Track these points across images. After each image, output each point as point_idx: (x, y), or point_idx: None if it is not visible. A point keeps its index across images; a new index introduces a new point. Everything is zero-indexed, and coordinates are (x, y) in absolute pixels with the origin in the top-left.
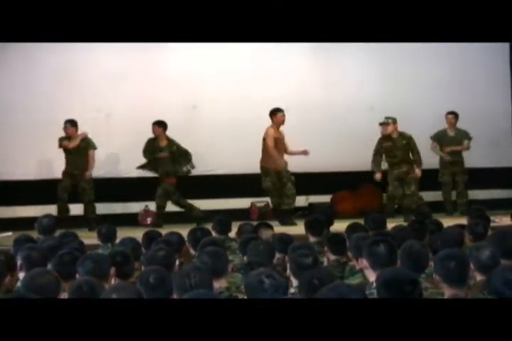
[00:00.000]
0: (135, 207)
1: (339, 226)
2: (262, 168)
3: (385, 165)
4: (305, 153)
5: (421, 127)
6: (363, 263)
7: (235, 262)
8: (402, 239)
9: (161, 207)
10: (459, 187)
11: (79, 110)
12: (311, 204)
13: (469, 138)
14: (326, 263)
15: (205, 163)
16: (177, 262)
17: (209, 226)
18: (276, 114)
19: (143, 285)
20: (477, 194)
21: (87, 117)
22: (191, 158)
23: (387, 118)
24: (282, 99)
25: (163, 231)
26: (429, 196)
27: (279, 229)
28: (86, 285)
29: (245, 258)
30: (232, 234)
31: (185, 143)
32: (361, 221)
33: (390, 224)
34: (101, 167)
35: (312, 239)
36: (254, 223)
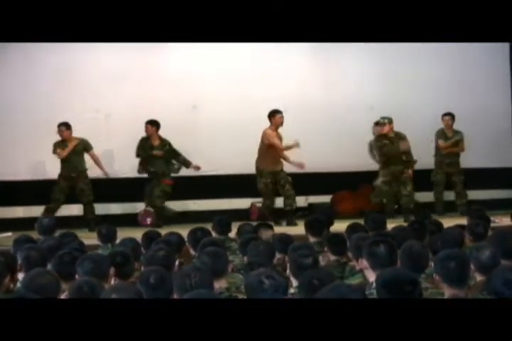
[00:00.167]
0: (135, 208)
1: (339, 226)
2: (256, 168)
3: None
4: (297, 145)
5: (421, 127)
6: (363, 263)
7: (235, 262)
8: (402, 240)
9: (160, 207)
10: (457, 188)
11: (79, 110)
12: (311, 205)
13: (463, 140)
14: (323, 263)
15: (205, 163)
16: (177, 262)
17: (209, 226)
18: (274, 115)
19: (143, 285)
20: (477, 194)
21: (86, 117)
22: (183, 158)
23: (383, 118)
24: (282, 99)
25: (163, 231)
26: (430, 196)
27: (279, 229)
28: (86, 286)
29: (245, 258)
30: (232, 234)
31: (185, 143)
32: (361, 221)
33: (390, 225)
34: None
35: (312, 240)
36: (254, 223)
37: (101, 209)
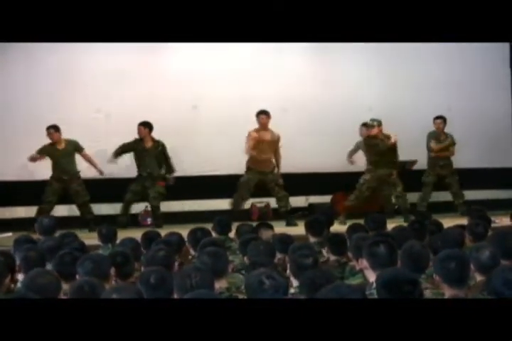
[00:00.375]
0: (135, 208)
1: (339, 226)
2: (246, 167)
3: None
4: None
5: (421, 127)
6: (363, 263)
7: (235, 262)
8: (402, 240)
9: (157, 208)
10: (453, 188)
11: (79, 110)
12: (311, 205)
13: (454, 144)
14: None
15: (205, 163)
16: (177, 262)
17: (209, 226)
18: (258, 116)
19: (144, 285)
20: (477, 194)
21: (87, 117)
22: (169, 163)
23: (372, 120)
24: (282, 99)
25: (164, 231)
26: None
27: (279, 229)
28: (87, 286)
29: (245, 258)
30: (232, 234)
31: (185, 143)
32: (361, 221)
33: (390, 225)
34: (101, 167)
35: (312, 240)
36: (253, 223)
37: (101, 209)
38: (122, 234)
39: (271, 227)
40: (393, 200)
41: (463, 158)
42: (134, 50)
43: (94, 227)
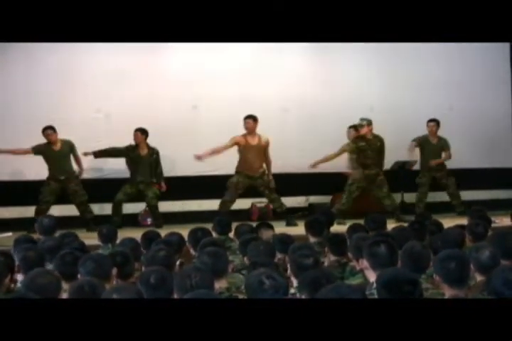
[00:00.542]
0: (135, 208)
1: (339, 226)
2: (235, 170)
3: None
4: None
5: (421, 128)
6: (364, 263)
7: (235, 262)
8: (402, 240)
9: (155, 207)
10: (450, 189)
11: (79, 110)
12: (311, 205)
13: (449, 148)
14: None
15: (205, 163)
16: (177, 262)
17: (209, 226)
18: (245, 120)
19: (144, 285)
20: (477, 194)
21: (87, 117)
22: (159, 171)
23: (362, 119)
24: (282, 99)
25: (164, 231)
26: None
27: (279, 229)
28: (87, 286)
29: (245, 258)
30: (232, 234)
31: (185, 143)
32: (361, 221)
33: (390, 225)
34: (101, 167)
35: (312, 240)
36: (253, 223)
37: (102, 209)
38: (122, 234)
39: (271, 227)
40: (383, 202)
41: (463, 158)
42: (134, 50)
43: (93, 227)
